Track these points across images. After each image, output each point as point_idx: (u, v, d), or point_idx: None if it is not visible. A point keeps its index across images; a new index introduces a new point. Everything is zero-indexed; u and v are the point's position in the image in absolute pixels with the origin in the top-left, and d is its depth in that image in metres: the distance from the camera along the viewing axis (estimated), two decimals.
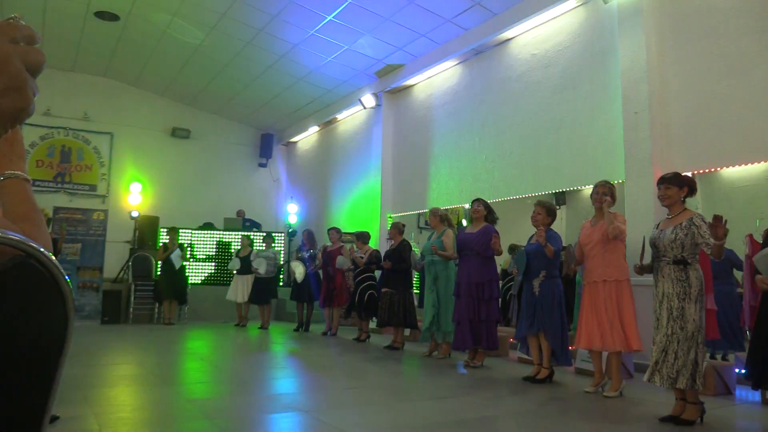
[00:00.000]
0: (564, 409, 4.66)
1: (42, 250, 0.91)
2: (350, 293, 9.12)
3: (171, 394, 4.86)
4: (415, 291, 8.52)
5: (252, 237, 11.50)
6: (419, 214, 10.89)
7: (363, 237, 9.12)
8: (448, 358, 7.13)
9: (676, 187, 4.31)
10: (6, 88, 0.65)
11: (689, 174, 6.34)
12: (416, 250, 8.35)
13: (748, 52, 5.93)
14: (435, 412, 4.39)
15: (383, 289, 8.07)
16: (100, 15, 10.40)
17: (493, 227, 6.55)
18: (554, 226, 5.86)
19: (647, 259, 4.50)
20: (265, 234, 11.54)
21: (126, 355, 7.35)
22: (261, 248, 10.99)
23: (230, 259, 11.67)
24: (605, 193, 5.14)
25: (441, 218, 7.31)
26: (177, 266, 10.76)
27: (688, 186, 4.35)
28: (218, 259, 12.80)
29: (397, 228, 8.33)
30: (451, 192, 9.78)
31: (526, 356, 6.25)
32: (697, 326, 4.07)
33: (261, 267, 10.32)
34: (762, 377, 4.27)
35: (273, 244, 11.07)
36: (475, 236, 6.53)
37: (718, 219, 3.91)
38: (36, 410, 0.92)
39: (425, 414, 4.34)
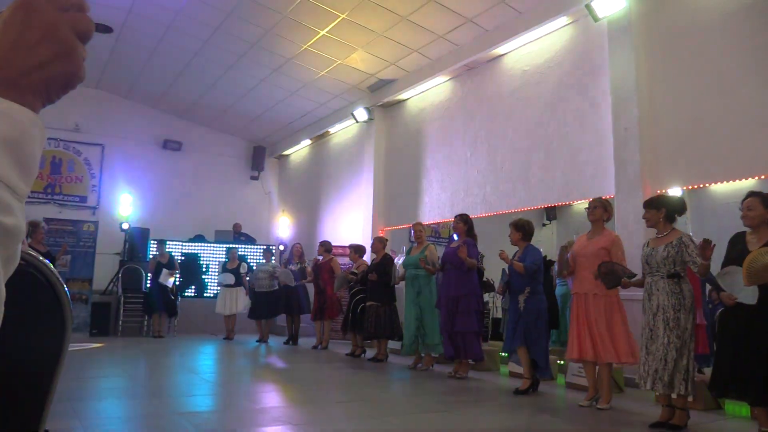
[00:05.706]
0: (554, 420, 4.67)
1: (41, 258, 0.92)
2: (342, 307, 9.09)
3: (160, 407, 4.82)
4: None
5: (237, 249, 11.38)
6: (411, 228, 10.87)
7: (359, 250, 9.14)
8: (431, 369, 7.16)
9: (654, 209, 4.63)
10: (55, 55, 0.65)
11: (679, 189, 6.43)
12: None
13: (736, 71, 6.01)
14: (425, 426, 4.38)
15: (368, 303, 8.04)
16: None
17: (471, 240, 6.62)
18: (545, 240, 5.91)
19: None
20: (264, 248, 11.14)
21: (115, 368, 7.30)
22: (260, 261, 10.87)
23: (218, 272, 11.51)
24: (595, 207, 5.32)
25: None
26: (166, 284, 10.67)
27: (665, 207, 4.60)
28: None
29: (381, 242, 8.36)
30: (443, 206, 9.81)
31: (517, 367, 6.30)
32: (690, 334, 4.29)
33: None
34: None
35: (273, 258, 10.87)
36: (454, 250, 6.61)
37: (707, 242, 4.16)
38: (32, 420, 0.92)
39: (415, 428, 4.33)
